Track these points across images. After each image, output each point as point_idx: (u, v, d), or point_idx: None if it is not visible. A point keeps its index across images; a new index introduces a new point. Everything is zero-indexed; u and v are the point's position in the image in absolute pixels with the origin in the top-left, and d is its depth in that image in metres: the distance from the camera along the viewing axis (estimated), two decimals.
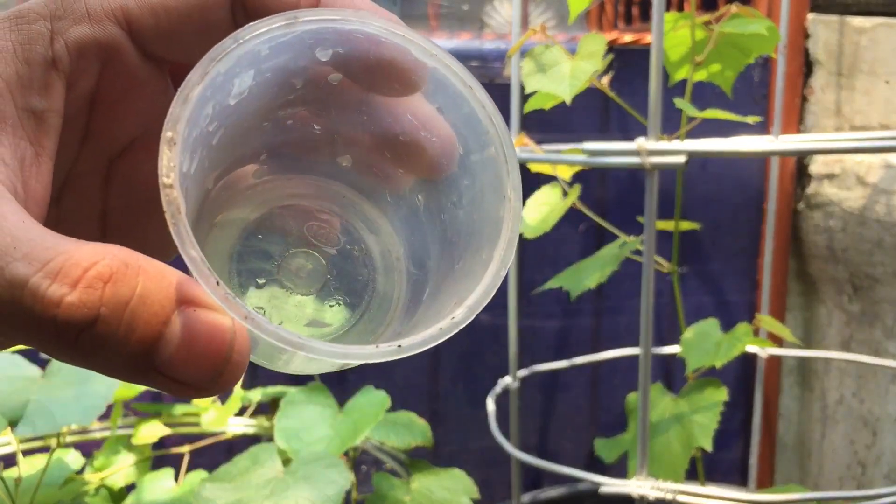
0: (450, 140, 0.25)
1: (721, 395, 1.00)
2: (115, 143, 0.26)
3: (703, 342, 1.02)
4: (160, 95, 0.26)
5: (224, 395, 1.08)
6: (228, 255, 0.26)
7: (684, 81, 1.00)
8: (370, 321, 0.27)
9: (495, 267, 0.23)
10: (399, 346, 0.21)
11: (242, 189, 0.27)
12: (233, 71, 0.23)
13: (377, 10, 0.25)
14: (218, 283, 0.20)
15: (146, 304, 0.19)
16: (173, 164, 0.21)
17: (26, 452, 0.95)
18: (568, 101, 0.91)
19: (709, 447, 0.96)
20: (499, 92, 1.20)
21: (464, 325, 0.22)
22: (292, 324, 0.26)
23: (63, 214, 0.26)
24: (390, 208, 0.28)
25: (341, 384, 1.17)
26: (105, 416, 0.98)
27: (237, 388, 1.07)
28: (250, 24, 0.23)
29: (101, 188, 0.27)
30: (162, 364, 0.20)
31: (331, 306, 0.26)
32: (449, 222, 0.26)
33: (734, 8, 0.93)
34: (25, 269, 0.19)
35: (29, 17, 0.23)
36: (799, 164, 1.32)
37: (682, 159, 0.86)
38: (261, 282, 0.26)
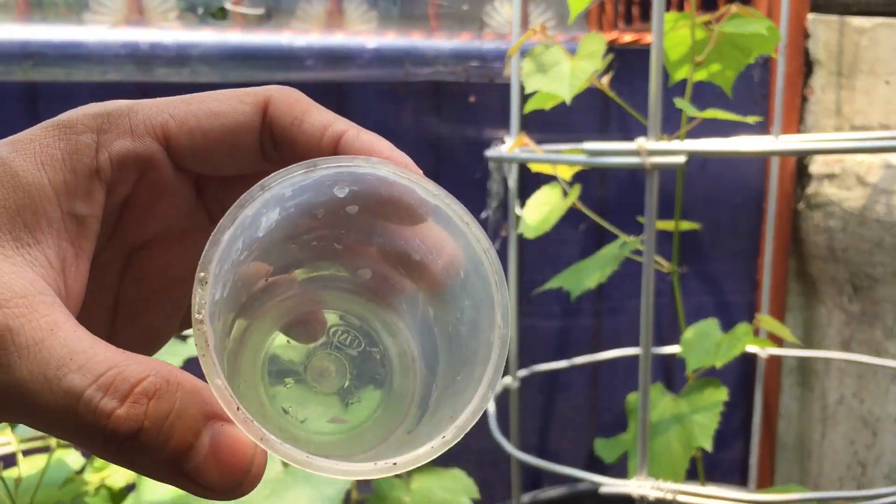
0: (452, 261, 0.27)
1: (721, 395, 1.00)
2: (137, 240, 0.29)
3: (703, 342, 1.02)
4: (185, 201, 0.29)
5: None
6: (261, 360, 0.29)
7: (684, 81, 1.00)
8: (387, 416, 0.29)
9: (483, 390, 0.26)
10: (394, 463, 0.24)
11: (275, 299, 0.30)
12: (259, 212, 0.26)
13: (392, 155, 0.28)
14: (238, 408, 0.23)
15: (182, 419, 0.22)
16: (204, 302, 0.23)
17: (26, 452, 0.95)
18: (568, 100, 0.91)
19: (709, 447, 0.96)
20: (499, 92, 1.20)
21: (453, 444, 0.25)
22: (316, 420, 0.28)
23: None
24: (406, 315, 0.30)
25: None
26: None
27: None
28: (275, 172, 0.25)
29: (118, 278, 0.30)
30: (191, 471, 0.22)
31: (351, 403, 0.29)
32: (454, 336, 0.28)
33: (734, 8, 0.93)
34: (81, 381, 0.22)
35: (77, 129, 0.26)
36: (799, 164, 1.32)
37: (682, 159, 0.86)
38: (288, 382, 0.29)
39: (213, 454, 0.22)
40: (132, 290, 0.30)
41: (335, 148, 0.27)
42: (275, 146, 0.28)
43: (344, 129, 0.27)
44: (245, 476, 0.23)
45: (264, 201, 0.25)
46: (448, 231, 0.27)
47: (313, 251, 0.29)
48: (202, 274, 0.24)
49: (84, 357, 0.22)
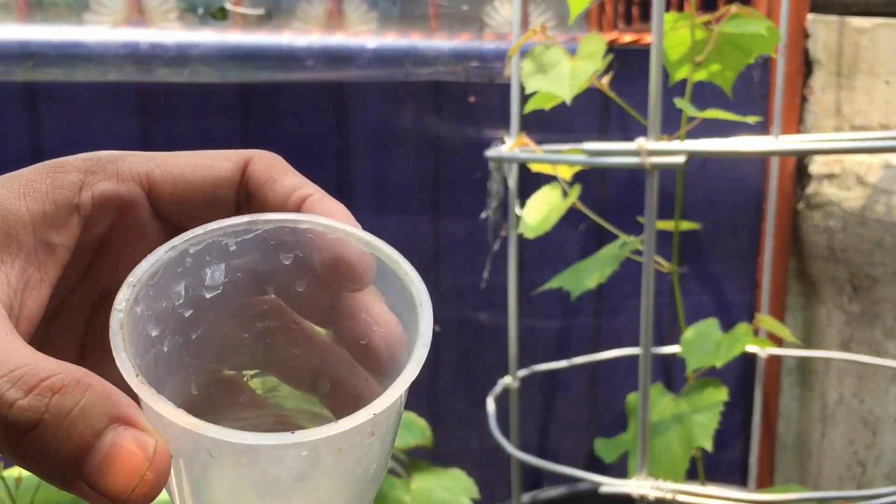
0: (397, 336, 0.28)
1: (721, 394, 1.00)
2: (105, 286, 0.30)
3: (704, 342, 1.02)
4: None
5: None
6: None
7: (684, 81, 1.00)
8: None
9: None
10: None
11: (233, 411, 0.30)
12: (202, 257, 0.27)
13: (347, 221, 0.28)
14: (137, 375, 0.23)
15: (84, 417, 0.22)
16: (127, 297, 0.24)
17: None
18: (568, 101, 0.91)
19: (709, 447, 0.96)
20: (499, 92, 1.21)
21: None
22: None
23: (49, 338, 0.29)
24: None
25: None
26: None
27: None
28: (218, 220, 0.27)
29: (84, 323, 0.30)
30: (88, 474, 0.22)
31: None
32: None
33: (734, 8, 0.93)
34: None
35: (66, 168, 0.28)
36: (799, 164, 1.32)
37: (681, 159, 0.86)
38: None
39: (108, 457, 0.22)
40: (95, 339, 0.30)
41: (298, 209, 0.28)
42: (248, 203, 0.29)
43: (310, 193, 0.28)
44: (138, 480, 0.22)
45: (206, 245, 0.26)
46: (386, 280, 0.28)
47: (271, 352, 0.29)
48: (131, 279, 0.25)
49: (6, 354, 0.23)
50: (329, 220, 0.28)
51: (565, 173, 1.11)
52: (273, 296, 0.29)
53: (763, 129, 1.28)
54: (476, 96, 1.21)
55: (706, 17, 0.95)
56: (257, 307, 0.29)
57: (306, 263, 0.28)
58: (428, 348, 0.25)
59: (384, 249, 0.27)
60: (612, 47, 1.18)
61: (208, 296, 0.27)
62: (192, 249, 0.26)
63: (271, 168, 0.29)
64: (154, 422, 0.23)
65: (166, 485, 0.24)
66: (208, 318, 0.28)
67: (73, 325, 0.30)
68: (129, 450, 0.22)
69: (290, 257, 0.28)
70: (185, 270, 0.27)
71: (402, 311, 0.27)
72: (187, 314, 0.27)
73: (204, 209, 0.29)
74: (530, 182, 1.16)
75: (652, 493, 0.91)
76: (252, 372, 0.30)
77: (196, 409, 0.24)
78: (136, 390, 0.23)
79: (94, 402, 0.22)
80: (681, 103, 0.91)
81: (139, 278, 0.25)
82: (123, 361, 0.24)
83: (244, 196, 0.29)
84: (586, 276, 1.04)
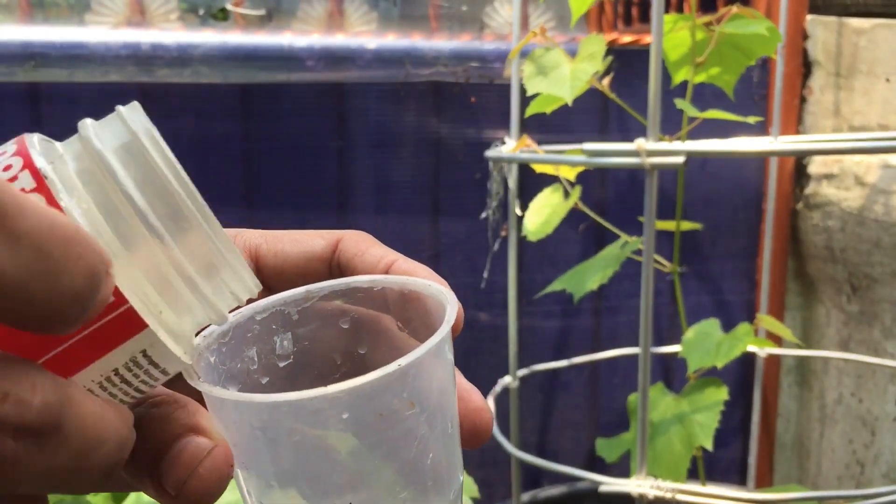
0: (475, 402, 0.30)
1: (722, 394, 1.00)
2: None
3: (704, 342, 1.02)
4: None
5: None
6: None
7: (683, 81, 1.00)
8: None
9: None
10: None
11: None
12: (268, 325, 0.28)
13: (429, 277, 0.30)
14: (199, 377, 0.25)
15: (169, 425, 0.24)
16: (198, 342, 0.25)
17: None
18: (569, 102, 0.91)
19: (710, 446, 0.97)
20: (499, 93, 1.21)
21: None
22: None
23: None
24: None
25: None
26: None
27: None
28: (280, 293, 0.29)
29: None
30: (158, 473, 0.24)
31: None
32: None
33: (735, 9, 0.94)
34: None
35: None
36: (798, 165, 1.32)
37: (681, 159, 0.86)
38: None
39: (175, 457, 0.24)
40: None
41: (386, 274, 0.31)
42: (341, 274, 0.32)
43: (393, 260, 0.31)
44: (188, 474, 0.24)
45: (271, 313, 0.28)
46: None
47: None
48: (205, 333, 0.26)
49: None
50: (373, 276, 0.29)
51: (568, 174, 1.11)
52: (344, 369, 0.30)
53: (762, 129, 1.28)
54: (476, 97, 1.21)
55: (706, 17, 0.95)
56: (330, 377, 0.30)
57: (363, 325, 0.30)
58: (456, 310, 0.26)
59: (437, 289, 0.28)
60: (611, 48, 1.19)
61: (281, 364, 0.29)
62: (259, 317, 0.28)
63: (360, 243, 0.32)
64: (218, 415, 0.25)
65: (237, 485, 0.26)
66: (286, 387, 0.28)
67: None
68: (191, 452, 0.24)
69: (347, 321, 0.30)
70: (255, 336, 0.28)
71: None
72: (264, 381, 0.28)
73: (300, 281, 0.31)
74: (530, 182, 1.17)
75: (651, 493, 0.92)
76: None
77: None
78: (198, 387, 0.24)
79: (180, 415, 0.24)
80: (682, 104, 0.91)
81: (211, 332, 0.26)
82: (188, 370, 0.24)
83: (336, 270, 0.32)
84: (588, 277, 1.05)
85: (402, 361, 0.23)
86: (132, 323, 0.21)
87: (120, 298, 0.21)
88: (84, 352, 0.21)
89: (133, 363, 0.22)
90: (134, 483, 0.24)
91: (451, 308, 0.26)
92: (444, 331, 0.25)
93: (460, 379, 0.29)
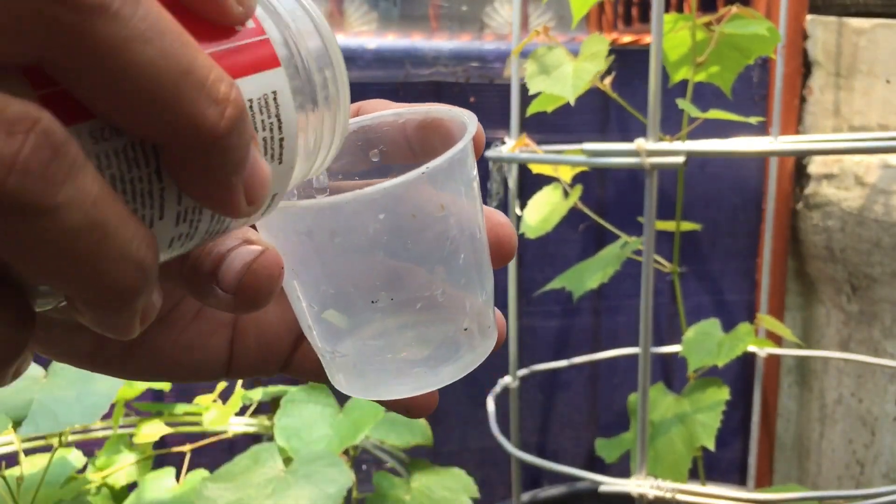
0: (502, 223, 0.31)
1: (723, 394, 1.00)
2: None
3: (705, 342, 1.02)
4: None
5: (226, 394, 1.08)
6: None
7: (682, 81, 1.00)
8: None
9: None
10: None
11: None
12: None
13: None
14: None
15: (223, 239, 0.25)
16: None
17: (28, 451, 0.95)
18: (572, 101, 0.91)
19: (711, 446, 0.97)
20: (499, 92, 1.21)
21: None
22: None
23: None
24: None
25: None
26: (106, 416, 0.98)
27: (238, 388, 1.07)
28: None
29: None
30: (217, 278, 0.25)
31: None
32: None
33: (735, 9, 0.94)
34: None
35: None
36: (798, 165, 1.32)
37: (680, 159, 0.86)
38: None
39: (230, 259, 0.25)
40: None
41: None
42: None
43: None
44: (243, 274, 0.25)
45: None
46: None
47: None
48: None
49: None
50: (397, 109, 0.30)
51: (566, 174, 1.11)
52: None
53: (762, 129, 1.28)
54: (476, 97, 1.22)
55: (706, 17, 0.96)
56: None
57: (390, 155, 0.30)
58: (475, 126, 0.27)
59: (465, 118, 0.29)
60: (611, 48, 1.19)
61: (317, 197, 0.29)
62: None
63: (378, 105, 0.31)
64: (266, 227, 0.26)
65: (287, 292, 0.27)
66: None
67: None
68: (244, 254, 0.25)
69: (376, 153, 0.30)
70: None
71: None
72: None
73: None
74: (530, 182, 1.17)
75: (651, 493, 0.92)
76: None
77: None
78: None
79: (234, 232, 0.25)
80: (683, 104, 0.91)
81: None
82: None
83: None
84: (588, 276, 1.05)
85: (429, 166, 0.25)
86: (268, 56, 0.22)
87: (260, 29, 0.22)
88: (231, 65, 0.21)
89: (265, 102, 0.22)
90: (197, 295, 0.25)
91: (471, 125, 0.27)
92: (465, 140, 0.26)
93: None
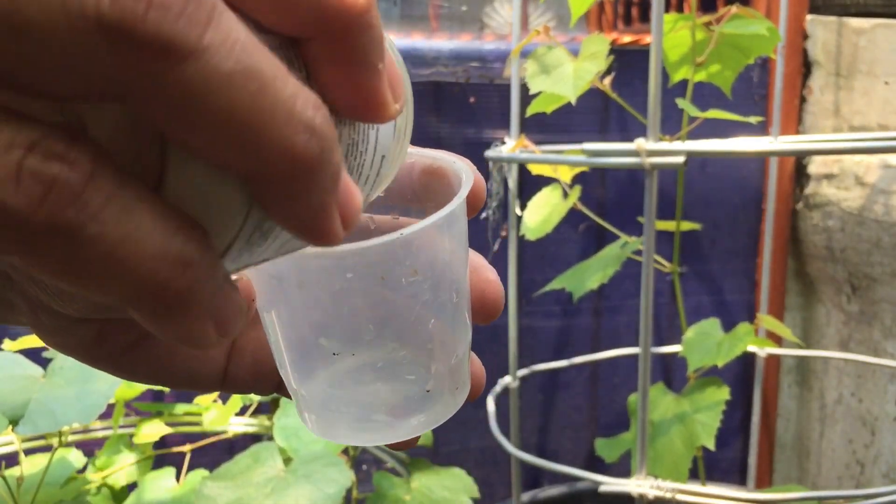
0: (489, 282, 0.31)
1: (723, 394, 1.00)
2: None
3: (705, 342, 1.02)
4: None
5: (225, 395, 1.08)
6: None
7: (683, 81, 1.00)
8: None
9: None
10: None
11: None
12: None
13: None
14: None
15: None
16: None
17: (28, 451, 0.95)
18: (573, 101, 0.91)
19: (711, 446, 0.97)
20: (499, 92, 1.21)
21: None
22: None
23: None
24: None
25: None
26: (106, 415, 0.98)
27: None
28: None
29: None
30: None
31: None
32: None
33: (734, 9, 0.94)
34: None
35: None
36: (798, 165, 1.32)
37: (680, 159, 0.86)
38: None
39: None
40: None
41: None
42: None
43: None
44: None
45: None
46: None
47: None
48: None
49: None
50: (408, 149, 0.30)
51: (566, 175, 1.11)
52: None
53: (762, 129, 1.28)
54: (476, 97, 1.21)
55: (706, 17, 0.96)
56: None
57: (395, 193, 0.30)
58: (470, 186, 0.27)
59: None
60: (611, 48, 1.19)
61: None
62: None
63: None
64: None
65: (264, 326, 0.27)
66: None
67: None
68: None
69: (383, 190, 0.30)
70: None
71: None
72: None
73: None
74: (530, 183, 1.17)
75: (651, 493, 0.92)
76: None
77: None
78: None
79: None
80: (683, 103, 0.91)
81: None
82: None
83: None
84: (588, 276, 1.05)
85: (405, 231, 0.24)
86: None
87: None
88: None
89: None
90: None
91: (466, 183, 0.27)
92: (453, 205, 0.26)
93: (474, 256, 0.30)
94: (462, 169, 0.28)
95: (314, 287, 0.25)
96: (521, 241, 1.15)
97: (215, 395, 1.07)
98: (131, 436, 1.01)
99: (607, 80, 1.01)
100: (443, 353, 0.28)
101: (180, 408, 1.05)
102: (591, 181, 1.24)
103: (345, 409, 0.27)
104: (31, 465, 0.92)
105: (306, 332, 0.26)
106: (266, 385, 0.30)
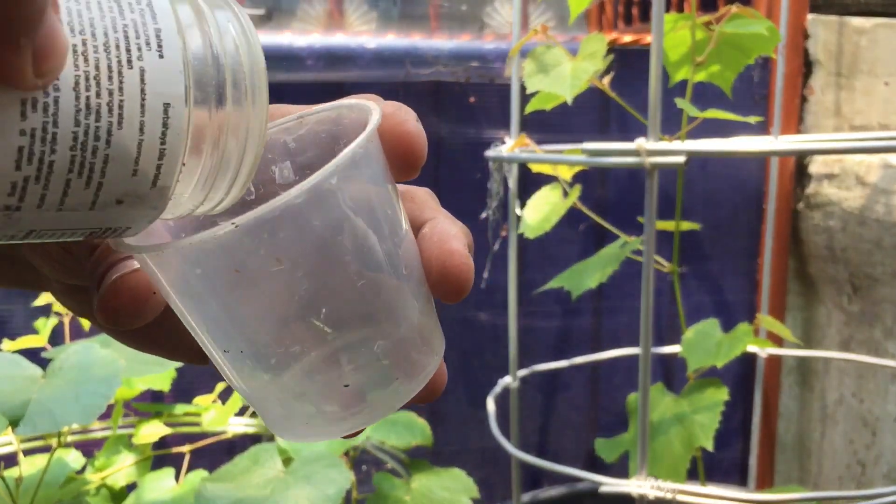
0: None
1: (722, 394, 1.00)
2: None
3: (704, 342, 1.02)
4: None
5: (225, 395, 1.08)
6: None
7: (683, 81, 1.00)
8: None
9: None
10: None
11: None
12: (265, 155, 0.26)
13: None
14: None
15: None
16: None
17: (27, 452, 0.95)
18: (569, 100, 0.91)
19: (710, 447, 0.97)
20: (499, 92, 1.21)
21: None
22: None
23: None
24: None
25: None
26: (106, 416, 0.98)
27: None
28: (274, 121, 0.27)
29: None
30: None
31: None
32: None
33: (734, 8, 0.94)
34: None
35: None
36: (798, 164, 1.32)
37: (681, 159, 0.86)
38: None
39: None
40: None
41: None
42: None
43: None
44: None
45: (266, 143, 0.25)
46: None
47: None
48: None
49: None
50: (361, 100, 0.27)
51: (566, 174, 1.11)
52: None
53: (763, 129, 1.28)
54: (476, 97, 1.21)
55: (706, 17, 0.95)
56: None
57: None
58: (361, 141, 0.24)
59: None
60: (611, 47, 1.18)
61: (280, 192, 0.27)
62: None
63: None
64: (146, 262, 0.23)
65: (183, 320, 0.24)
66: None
67: None
68: (120, 268, 0.25)
69: (342, 147, 0.26)
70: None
71: None
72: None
73: None
74: (530, 182, 1.16)
75: (652, 493, 0.91)
76: None
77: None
78: (118, 248, 0.23)
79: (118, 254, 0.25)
80: (682, 103, 0.91)
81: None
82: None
83: None
84: (587, 275, 1.04)
85: (239, 221, 0.21)
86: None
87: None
88: None
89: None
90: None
91: (367, 131, 0.24)
92: (322, 173, 0.22)
93: (442, 224, 0.27)
94: (368, 109, 0.25)
95: (175, 284, 0.23)
96: (522, 240, 1.15)
97: (215, 395, 1.07)
98: (130, 436, 1.01)
99: (606, 80, 1.00)
100: (380, 333, 0.25)
101: (180, 408, 1.05)
102: (592, 181, 1.23)
103: (298, 404, 0.25)
104: (29, 466, 0.92)
105: (213, 344, 0.24)
106: None
